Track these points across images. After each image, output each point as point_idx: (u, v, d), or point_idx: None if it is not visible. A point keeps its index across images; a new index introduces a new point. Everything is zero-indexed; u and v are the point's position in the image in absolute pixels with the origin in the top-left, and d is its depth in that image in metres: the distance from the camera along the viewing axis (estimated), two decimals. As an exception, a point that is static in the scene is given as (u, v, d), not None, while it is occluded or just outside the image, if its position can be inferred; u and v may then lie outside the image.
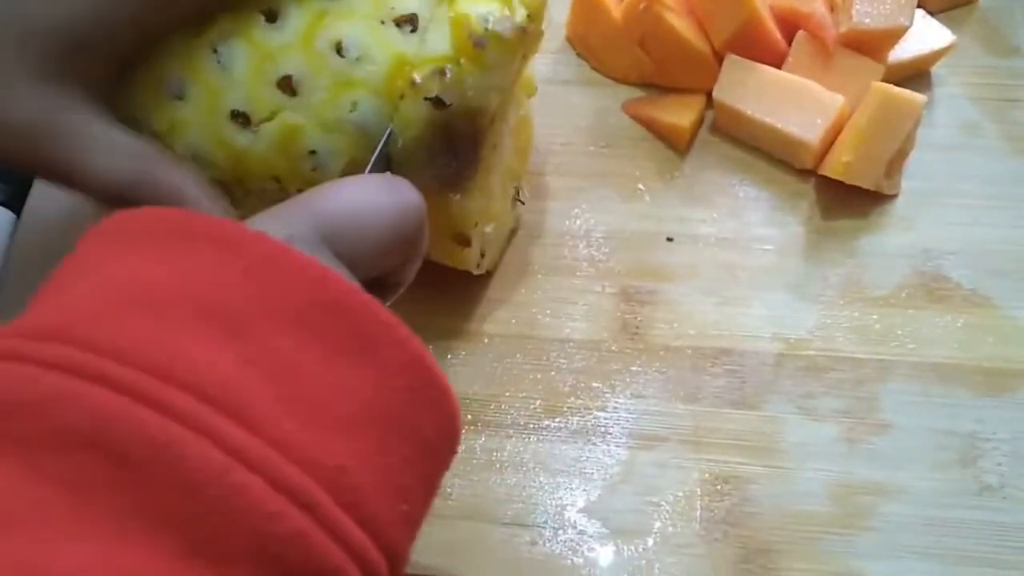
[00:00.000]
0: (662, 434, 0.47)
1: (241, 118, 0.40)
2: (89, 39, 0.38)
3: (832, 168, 0.51)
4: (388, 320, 0.28)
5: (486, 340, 0.50)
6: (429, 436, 0.29)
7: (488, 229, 0.48)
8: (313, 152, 0.40)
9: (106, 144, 0.39)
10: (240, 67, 0.40)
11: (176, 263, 0.27)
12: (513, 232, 0.53)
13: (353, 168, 0.41)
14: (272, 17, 0.39)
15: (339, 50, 0.39)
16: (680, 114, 0.54)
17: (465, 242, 0.47)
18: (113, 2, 0.38)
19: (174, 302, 0.26)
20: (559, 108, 0.57)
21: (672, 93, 0.56)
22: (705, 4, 0.53)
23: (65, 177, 0.39)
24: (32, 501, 0.23)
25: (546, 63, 0.59)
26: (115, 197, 0.39)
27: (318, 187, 0.32)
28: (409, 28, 0.39)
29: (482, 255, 0.49)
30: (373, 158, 0.39)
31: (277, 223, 0.30)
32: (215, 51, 0.40)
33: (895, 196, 0.53)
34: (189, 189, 0.39)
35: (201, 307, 0.26)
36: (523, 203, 0.53)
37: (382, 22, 0.39)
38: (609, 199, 0.54)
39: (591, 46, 0.58)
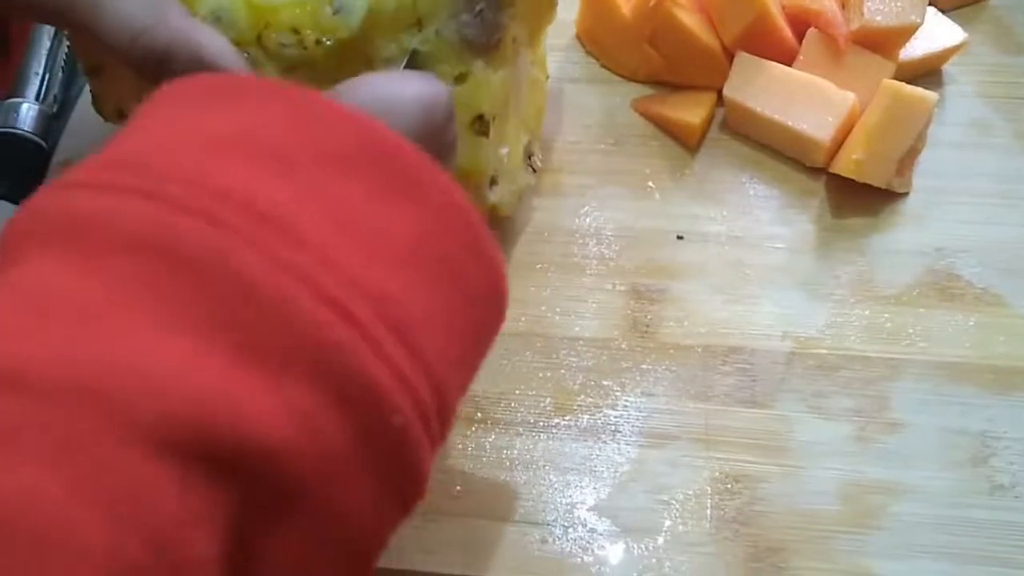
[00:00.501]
0: (672, 432, 0.47)
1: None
2: None
3: (843, 166, 0.51)
4: (432, 167, 0.29)
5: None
6: (475, 286, 0.29)
7: (505, 177, 0.48)
8: None
9: None
10: (237, 23, 0.40)
11: (231, 115, 0.29)
12: (524, 192, 0.53)
13: (374, 16, 0.41)
14: None
15: (333, 8, 0.40)
16: (691, 111, 0.54)
17: (494, 182, 0.47)
18: None
19: (231, 143, 0.27)
20: (569, 106, 0.57)
21: (682, 90, 0.56)
22: (715, 1, 0.53)
23: (85, 17, 0.39)
24: (93, 299, 0.24)
25: (556, 60, 0.59)
26: (129, 46, 0.39)
27: (346, 82, 0.33)
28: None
29: (494, 208, 0.49)
30: (405, 60, 0.41)
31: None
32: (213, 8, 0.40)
33: (906, 194, 0.52)
34: (202, 36, 0.39)
35: (256, 148, 0.27)
36: (537, 168, 0.53)
37: None
38: (619, 197, 0.54)
39: (601, 43, 0.58)
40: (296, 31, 0.41)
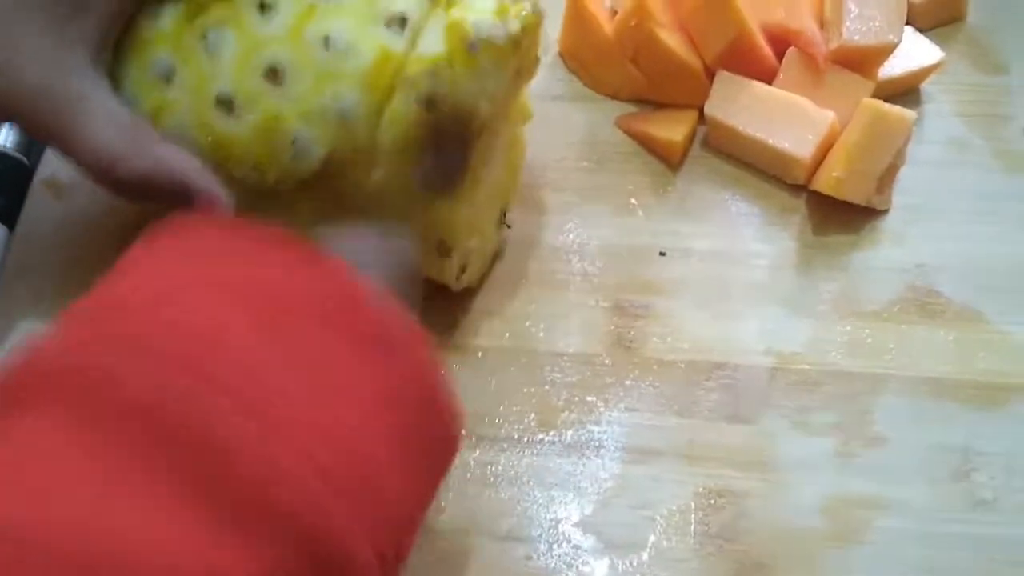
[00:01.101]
0: (656, 448, 0.47)
1: (226, 104, 0.41)
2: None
3: (824, 184, 0.51)
4: (402, 325, 0.31)
5: (479, 354, 0.50)
6: (433, 434, 0.32)
7: (472, 243, 0.48)
8: (294, 141, 0.41)
9: (104, 113, 0.40)
10: (228, 53, 0.41)
11: (228, 265, 0.31)
12: (496, 255, 0.53)
13: (332, 160, 0.41)
14: (264, 8, 0.40)
15: (327, 43, 0.40)
16: (673, 129, 0.55)
17: (446, 252, 0.47)
18: None
19: (225, 294, 0.30)
20: (551, 123, 0.57)
21: (664, 108, 0.56)
22: (696, 20, 0.54)
23: (61, 141, 0.40)
24: (73, 462, 0.25)
25: (538, 78, 0.58)
26: (104, 168, 0.40)
27: (324, 234, 0.36)
28: (398, 27, 0.40)
29: (462, 270, 0.49)
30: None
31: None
32: (205, 36, 0.41)
33: (886, 211, 0.53)
34: (174, 160, 0.40)
35: (234, 295, 0.29)
36: (509, 227, 0.53)
37: (372, 20, 0.40)
38: (602, 214, 0.54)
39: (583, 61, 0.58)
40: (258, 167, 0.42)
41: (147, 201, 0.41)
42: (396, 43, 0.40)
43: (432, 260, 0.47)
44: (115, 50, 0.42)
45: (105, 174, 0.40)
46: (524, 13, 0.41)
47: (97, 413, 0.26)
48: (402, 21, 0.40)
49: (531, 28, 0.42)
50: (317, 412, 0.28)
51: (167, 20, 0.41)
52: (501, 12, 0.41)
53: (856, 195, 0.51)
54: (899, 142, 0.51)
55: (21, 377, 0.28)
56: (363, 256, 0.34)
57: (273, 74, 0.40)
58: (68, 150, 0.40)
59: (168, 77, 0.41)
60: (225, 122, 0.41)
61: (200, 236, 0.33)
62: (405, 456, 0.30)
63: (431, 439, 0.32)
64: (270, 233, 0.33)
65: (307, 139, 0.40)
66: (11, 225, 0.55)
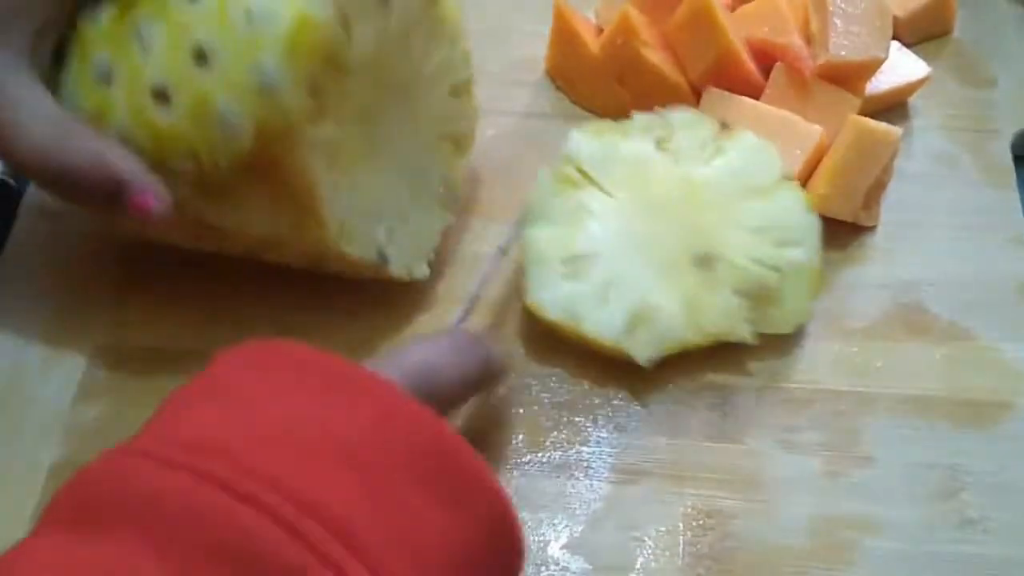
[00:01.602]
0: (644, 468, 0.47)
1: (161, 95, 0.41)
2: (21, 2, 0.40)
3: (810, 201, 0.51)
4: (483, 475, 0.32)
5: (468, 375, 0.50)
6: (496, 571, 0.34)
7: (383, 225, 0.48)
8: (221, 118, 0.40)
9: (36, 112, 0.41)
10: (159, 44, 0.41)
11: (315, 401, 0.31)
12: (444, 234, 0.53)
13: (263, 133, 0.41)
14: None
15: (248, 17, 0.39)
16: (660, 147, 0.55)
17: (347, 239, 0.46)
18: None
19: (315, 439, 0.30)
20: (539, 141, 0.58)
21: (651, 126, 0.56)
22: (681, 39, 0.54)
23: None
24: None
25: (526, 95, 0.60)
26: (39, 163, 0.40)
27: (401, 348, 0.38)
28: None
29: (383, 257, 0.48)
30: (459, 316, 0.46)
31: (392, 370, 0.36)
32: (138, 30, 0.41)
33: (874, 228, 0.53)
34: (109, 155, 0.40)
35: (336, 446, 0.30)
36: (458, 200, 0.53)
37: None
38: (590, 232, 0.54)
39: (570, 80, 0.59)
40: (194, 155, 0.41)
41: (85, 202, 0.42)
42: (316, 7, 0.39)
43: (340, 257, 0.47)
44: (56, 55, 0.42)
45: (41, 171, 0.40)
46: None
47: (186, 545, 0.26)
48: None
49: None
50: (393, 562, 0.29)
51: (104, 19, 0.42)
52: None
53: (842, 212, 0.51)
54: (885, 158, 0.51)
55: (108, 494, 0.28)
56: (442, 364, 0.38)
57: (200, 56, 0.40)
58: (2, 150, 0.40)
59: (107, 78, 0.41)
60: (162, 114, 0.41)
61: (285, 366, 0.33)
62: None
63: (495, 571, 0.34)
64: (354, 370, 0.33)
65: (234, 114, 0.40)
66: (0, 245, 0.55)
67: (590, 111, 0.58)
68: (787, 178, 0.50)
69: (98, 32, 0.42)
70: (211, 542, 0.26)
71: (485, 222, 0.55)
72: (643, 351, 0.47)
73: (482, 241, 0.54)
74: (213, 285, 0.51)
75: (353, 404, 0.32)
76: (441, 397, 0.37)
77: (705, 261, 0.47)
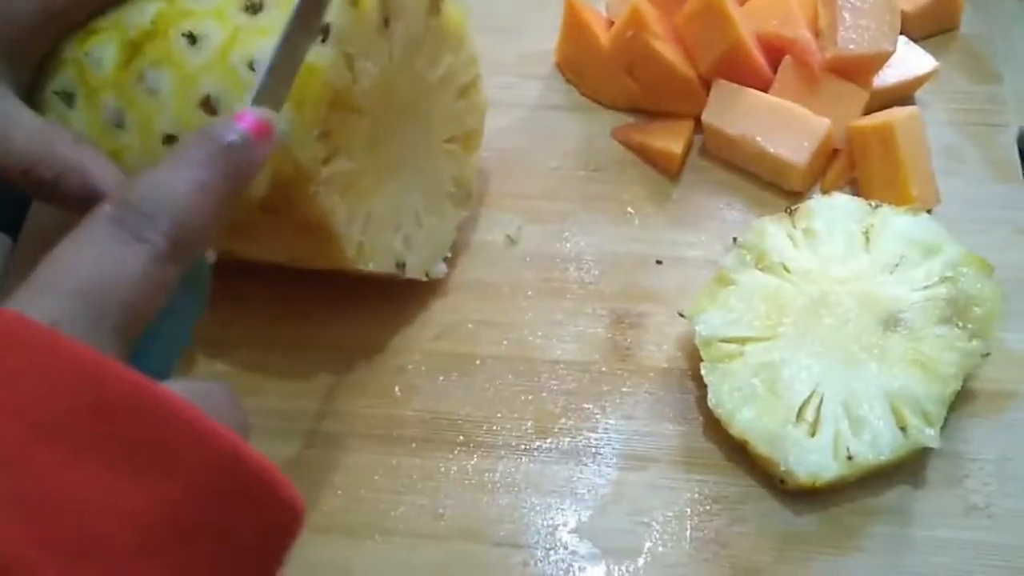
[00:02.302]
0: (652, 455, 0.47)
1: (173, 141, 0.42)
2: (3, 27, 0.41)
3: (909, 209, 0.50)
4: (187, 417, 0.25)
5: (478, 362, 0.50)
6: (247, 537, 0.26)
7: (395, 236, 0.48)
8: None
9: (15, 119, 0.41)
10: (167, 91, 0.41)
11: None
12: (459, 229, 0.53)
13: (277, 181, 0.41)
14: (193, 40, 0.41)
15: (252, 67, 0.40)
16: (671, 140, 0.55)
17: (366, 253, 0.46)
18: None
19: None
20: (549, 133, 0.58)
21: (660, 118, 0.57)
22: (690, 31, 0.54)
23: None
24: None
25: (536, 88, 0.60)
26: (21, 172, 0.41)
27: (62, 253, 0.28)
28: (321, 39, 0.40)
29: (402, 265, 0.48)
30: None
31: (44, 300, 0.27)
32: (144, 78, 0.42)
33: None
34: (86, 163, 0.41)
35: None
36: (471, 194, 0.53)
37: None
38: (599, 222, 0.55)
39: (580, 72, 0.59)
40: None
41: (63, 205, 0.42)
42: (319, 57, 0.40)
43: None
44: (38, 72, 0.43)
45: (21, 178, 0.41)
46: None
47: None
48: (325, 30, 0.40)
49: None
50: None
51: (108, 65, 0.42)
52: None
53: (931, 201, 0.52)
54: (923, 137, 0.52)
55: None
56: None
57: (208, 105, 0.41)
58: None
59: (119, 122, 0.42)
60: None
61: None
62: (209, 561, 0.25)
63: (244, 538, 0.26)
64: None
65: None
66: (13, 234, 0.55)
67: (600, 102, 0.59)
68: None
69: (104, 78, 0.42)
70: None
71: (495, 212, 0.55)
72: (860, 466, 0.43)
73: (492, 231, 0.55)
74: (228, 275, 0.51)
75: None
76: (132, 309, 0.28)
77: (891, 322, 0.46)
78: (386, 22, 0.43)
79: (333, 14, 0.40)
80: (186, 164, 0.30)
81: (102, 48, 0.42)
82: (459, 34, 0.49)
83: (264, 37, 0.40)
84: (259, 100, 0.34)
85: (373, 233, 0.46)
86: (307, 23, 0.37)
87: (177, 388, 0.26)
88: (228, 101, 0.40)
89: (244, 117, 0.32)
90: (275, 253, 0.46)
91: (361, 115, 0.43)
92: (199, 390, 0.28)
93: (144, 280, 0.28)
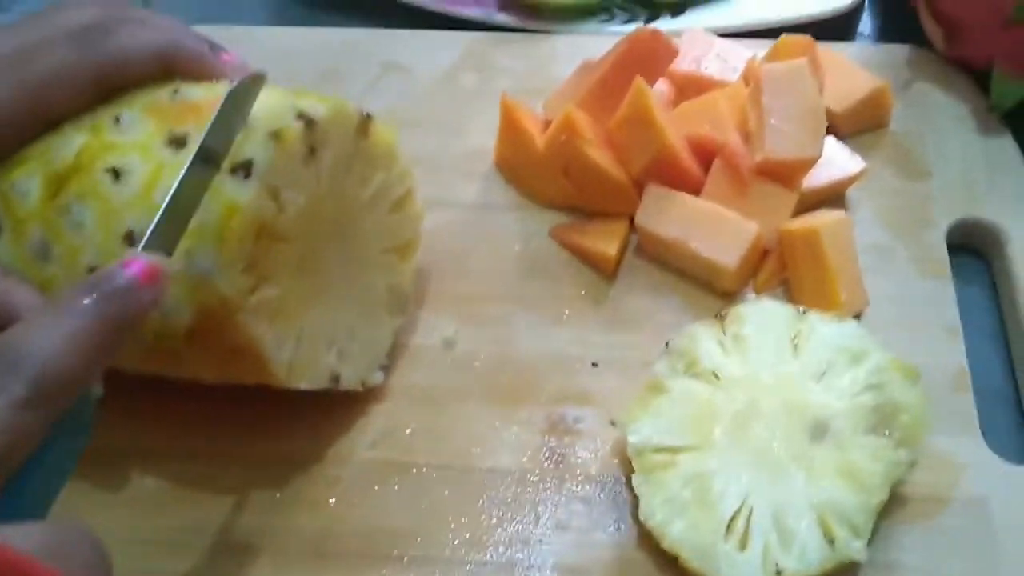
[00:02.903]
0: (586, 567, 0.47)
1: None
2: None
3: (835, 315, 0.50)
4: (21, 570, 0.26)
5: (414, 470, 0.50)
6: None
7: (333, 349, 0.48)
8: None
9: None
10: (91, 224, 0.42)
11: None
12: (396, 335, 0.53)
13: (202, 313, 0.41)
14: (117, 175, 0.41)
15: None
16: (606, 242, 0.56)
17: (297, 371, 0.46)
18: None
19: None
20: (487, 232, 0.59)
21: (597, 218, 0.58)
22: (621, 136, 0.55)
23: None
24: None
25: (475, 186, 0.61)
26: None
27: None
28: (243, 175, 0.41)
29: (336, 379, 0.48)
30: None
31: None
32: (69, 211, 0.42)
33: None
34: (13, 297, 0.40)
35: None
36: (406, 303, 0.53)
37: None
38: (536, 324, 0.55)
39: (517, 172, 0.60)
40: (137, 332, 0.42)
41: None
42: (241, 193, 0.40)
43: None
44: None
45: None
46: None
47: None
48: (247, 167, 0.40)
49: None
50: None
51: (33, 198, 0.42)
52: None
53: (858, 305, 0.53)
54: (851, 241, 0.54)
55: None
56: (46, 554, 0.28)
57: (131, 239, 0.41)
58: None
59: (44, 254, 0.43)
60: None
61: None
62: None
63: None
64: None
65: (173, 299, 0.41)
66: None
67: (538, 203, 0.59)
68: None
69: (29, 210, 0.43)
70: None
71: (432, 315, 0.56)
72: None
73: (430, 334, 0.55)
74: (158, 387, 0.51)
75: None
76: None
77: (819, 431, 0.46)
78: (312, 151, 0.43)
79: (254, 150, 0.41)
80: (65, 312, 0.32)
81: (27, 180, 0.43)
82: (389, 152, 0.50)
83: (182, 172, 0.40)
84: (153, 241, 0.35)
85: (304, 352, 0.46)
86: (208, 162, 0.38)
87: (28, 538, 0.27)
88: None
89: (132, 263, 0.33)
90: (204, 374, 0.46)
91: (287, 242, 0.43)
92: (50, 540, 0.28)
93: (2, 427, 0.29)
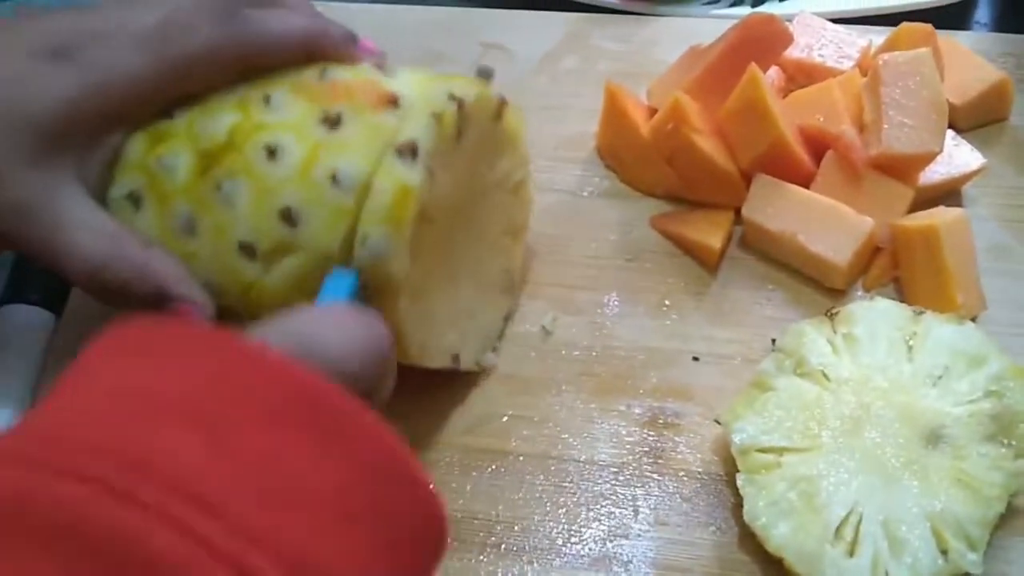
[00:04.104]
0: (685, 565, 0.46)
1: (248, 249, 0.42)
2: (70, 125, 0.42)
3: (955, 319, 0.48)
4: (359, 413, 0.29)
5: (511, 458, 0.50)
6: (406, 525, 0.29)
7: (456, 328, 0.49)
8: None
9: (87, 224, 0.42)
10: (244, 201, 0.42)
11: (162, 369, 0.29)
12: (507, 319, 0.54)
13: (363, 297, 0.42)
14: (272, 153, 0.41)
15: (334, 179, 0.41)
16: (710, 233, 0.55)
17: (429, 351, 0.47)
18: (88, 93, 0.42)
19: (158, 405, 0.27)
20: (586, 219, 0.58)
21: (700, 209, 0.56)
22: (732, 127, 0.54)
23: (45, 253, 0.42)
24: None
25: (575, 173, 0.60)
26: (88, 275, 0.42)
27: (295, 311, 0.33)
28: (410, 156, 0.41)
29: (457, 360, 0.49)
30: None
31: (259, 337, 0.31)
32: (220, 188, 0.42)
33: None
34: (155, 266, 0.42)
35: (181, 408, 0.27)
36: (517, 287, 0.54)
37: (381, 150, 0.41)
38: (635, 315, 0.54)
39: (620, 159, 0.59)
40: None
41: (128, 307, 0.43)
42: (412, 175, 0.40)
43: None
44: (107, 171, 0.44)
45: (91, 280, 0.42)
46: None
47: (15, 538, 0.24)
48: (413, 148, 0.41)
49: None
50: (268, 518, 0.26)
51: (182, 174, 0.43)
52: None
53: (977, 309, 0.51)
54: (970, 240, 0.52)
55: None
56: (321, 337, 0.32)
57: (288, 216, 0.41)
58: (54, 261, 0.42)
59: (190, 229, 0.43)
60: (250, 268, 0.42)
61: (135, 341, 0.30)
62: (374, 544, 0.28)
63: (409, 527, 0.29)
64: (208, 333, 0.31)
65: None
66: (58, 311, 0.56)
67: (639, 190, 0.58)
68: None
69: (176, 186, 0.43)
70: (38, 526, 0.24)
71: (530, 301, 0.55)
72: None
73: (527, 321, 0.54)
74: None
75: (188, 363, 0.29)
76: (333, 366, 0.32)
77: (933, 438, 0.45)
78: (459, 133, 0.44)
79: (417, 131, 0.41)
80: None
81: (174, 157, 0.43)
82: (516, 136, 0.50)
83: (344, 151, 0.41)
84: None
85: (434, 331, 0.47)
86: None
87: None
88: (308, 213, 0.41)
89: None
90: None
91: (431, 223, 0.44)
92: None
93: None
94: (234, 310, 0.44)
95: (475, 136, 0.45)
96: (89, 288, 0.43)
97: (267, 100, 0.43)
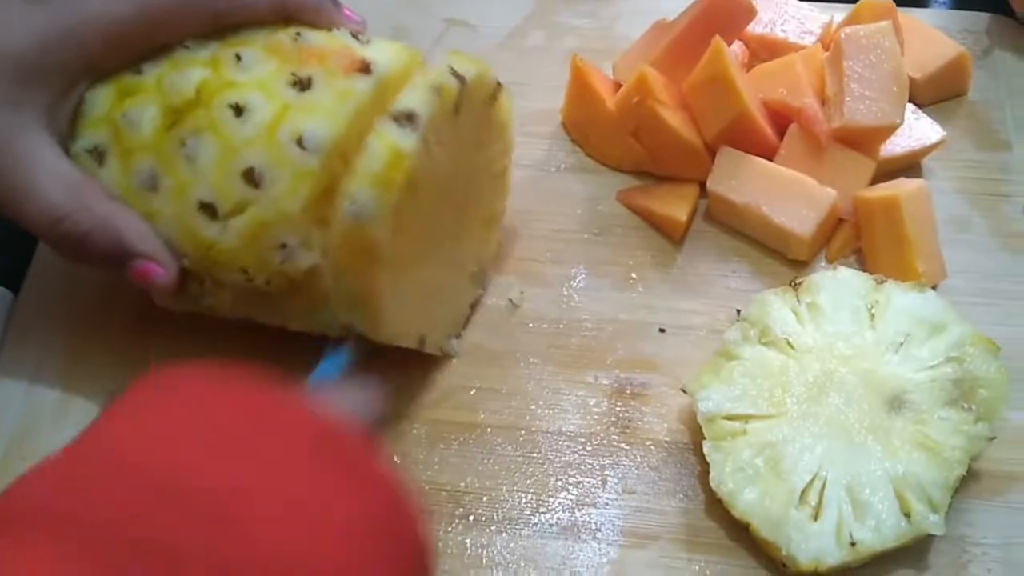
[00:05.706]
0: (653, 532, 0.47)
1: (208, 209, 0.42)
2: (43, 66, 0.41)
3: (915, 284, 0.49)
4: (366, 463, 0.34)
5: (478, 430, 0.50)
6: (406, 544, 0.34)
7: (425, 310, 0.49)
8: (284, 245, 0.41)
9: (51, 171, 0.42)
10: (206, 159, 0.41)
11: (214, 415, 0.33)
12: (474, 305, 0.54)
13: (339, 260, 0.42)
14: (239, 111, 0.41)
15: (300, 143, 0.40)
16: (675, 206, 0.55)
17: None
18: (62, 35, 0.41)
19: (213, 443, 0.31)
20: (553, 194, 0.58)
21: (666, 182, 0.57)
22: (697, 100, 0.54)
23: (4, 195, 0.41)
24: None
25: (541, 148, 0.60)
26: (49, 223, 0.41)
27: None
28: (408, 124, 0.41)
29: (423, 341, 0.49)
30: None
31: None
32: (184, 144, 0.41)
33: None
34: (117, 221, 0.41)
35: (233, 447, 0.31)
36: (486, 283, 0.54)
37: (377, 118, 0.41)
38: (602, 288, 0.54)
39: (585, 134, 0.59)
40: (245, 271, 0.42)
41: (88, 262, 0.43)
42: (406, 141, 0.41)
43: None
44: (71, 121, 0.43)
45: (52, 229, 0.41)
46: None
47: (83, 542, 0.27)
48: (411, 116, 0.41)
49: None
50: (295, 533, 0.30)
51: (147, 129, 0.42)
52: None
53: (937, 276, 0.52)
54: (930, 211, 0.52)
55: (9, 504, 0.29)
56: (342, 402, 0.39)
57: (250, 176, 0.41)
58: (15, 205, 0.41)
59: (152, 186, 0.42)
60: (210, 228, 0.42)
61: (185, 387, 0.34)
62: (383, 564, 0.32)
63: (406, 546, 0.34)
64: (253, 384, 0.35)
65: (296, 245, 0.41)
66: (15, 288, 0.55)
67: (605, 164, 0.59)
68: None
69: (140, 141, 0.42)
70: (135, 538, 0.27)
71: (498, 275, 0.55)
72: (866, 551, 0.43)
73: (495, 294, 0.54)
74: (230, 330, 0.51)
75: (248, 413, 0.33)
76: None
77: (896, 403, 0.45)
78: (456, 109, 0.44)
79: (417, 101, 0.41)
80: None
81: (140, 111, 0.42)
82: (506, 123, 0.50)
83: (313, 115, 0.41)
84: None
85: (406, 309, 0.46)
86: None
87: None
88: (271, 175, 0.41)
89: None
90: (292, 322, 0.46)
91: (418, 197, 0.43)
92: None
93: None
94: (195, 271, 0.43)
95: (470, 116, 0.45)
96: (49, 238, 0.42)
97: (239, 58, 0.42)
